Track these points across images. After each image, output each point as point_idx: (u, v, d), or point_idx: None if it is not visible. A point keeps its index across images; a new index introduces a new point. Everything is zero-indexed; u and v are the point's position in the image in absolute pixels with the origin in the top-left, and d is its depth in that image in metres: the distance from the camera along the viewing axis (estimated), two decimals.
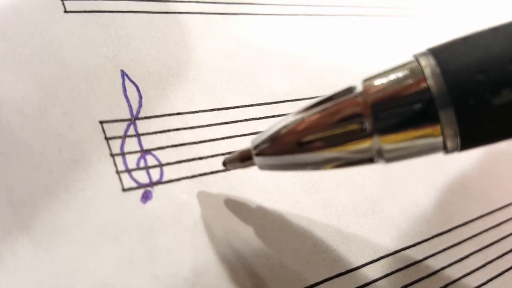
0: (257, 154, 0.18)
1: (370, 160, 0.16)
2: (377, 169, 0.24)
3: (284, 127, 0.17)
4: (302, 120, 0.17)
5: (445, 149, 0.16)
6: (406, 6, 0.33)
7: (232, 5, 0.25)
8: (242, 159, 0.18)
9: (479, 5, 0.37)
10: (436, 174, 0.25)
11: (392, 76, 0.16)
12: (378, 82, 0.16)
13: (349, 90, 0.16)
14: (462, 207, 0.24)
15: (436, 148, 0.16)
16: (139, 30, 0.22)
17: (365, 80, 0.16)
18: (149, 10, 0.23)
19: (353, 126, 0.16)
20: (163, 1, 0.23)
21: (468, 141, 0.16)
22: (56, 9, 0.21)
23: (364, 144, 0.16)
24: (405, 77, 0.16)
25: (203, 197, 0.19)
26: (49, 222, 0.17)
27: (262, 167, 0.18)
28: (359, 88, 0.16)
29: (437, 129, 0.15)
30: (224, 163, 0.19)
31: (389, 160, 0.16)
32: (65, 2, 0.21)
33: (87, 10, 0.21)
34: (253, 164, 0.18)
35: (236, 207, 0.20)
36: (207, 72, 0.23)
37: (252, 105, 0.23)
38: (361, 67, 0.27)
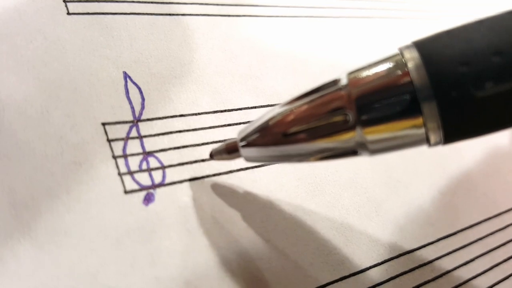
0: (243, 146, 0.18)
1: (354, 152, 0.17)
2: (380, 171, 0.23)
3: (270, 118, 0.17)
4: (288, 112, 0.17)
5: (428, 142, 0.16)
6: (410, 9, 0.33)
7: (235, 7, 0.25)
8: (229, 150, 0.19)
9: (478, 6, 0.36)
10: (440, 177, 0.24)
11: (376, 69, 0.16)
12: (362, 74, 0.16)
13: (334, 82, 0.17)
14: (467, 209, 0.24)
15: (419, 141, 0.16)
16: (142, 31, 0.22)
17: (350, 73, 0.16)
18: (152, 12, 0.23)
19: (337, 118, 0.16)
20: (166, 3, 0.23)
21: (451, 134, 0.16)
22: (59, 11, 0.21)
23: (347, 136, 0.16)
24: (389, 70, 0.16)
25: (206, 200, 0.19)
26: (51, 225, 0.17)
27: (248, 158, 0.18)
28: (344, 80, 0.16)
29: (419, 121, 0.15)
30: (211, 155, 0.19)
31: (373, 152, 0.16)
32: (68, 4, 0.21)
33: (90, 12, 0.21)
34: (239, 156, 0.18)
35: (239, 209, 0.20)
36: (210, 74, 0.23)
37: (255, 107, 0.23)
38: None
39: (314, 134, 0.16)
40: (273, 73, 0.24)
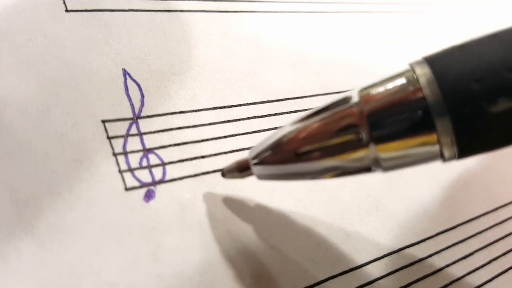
0: (255, 164, 0.18)
1: (367, 169, 0.17)
2: None
3: (282, 136, 0.17)
4: (299, 130, 0.17)
5: (443, 158, 0.16)
6: (410, 3, 0.33)
7: (233, 3, 0.25)
8: (240, 169, 0.18)
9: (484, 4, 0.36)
10: (438, 171, 0.25)
11: (388, 86, 0.16)
12: (373, 91, 0.16)
13: (345, 100, 0.16)
14: (466, 204, 0.24)
15: (433, 157, 0.16)
16: (141, 28, 0.22)
17: (361, 90, 0.16)
18: (150, 9, 0.23)
19: (350, 136, 0.16)
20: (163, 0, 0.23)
21: (465, 150, 0.16)
22: (57, 8, 0.21)
23: (361, 154, 0.16)
24: (401, 86, 0.16)
25: (206, 196, 0.19)
26: (53, 222, 0.17)
27: (260, 177, 0.18)
28: (355, 98, 0.16)
29: (433, 137, 0.15)
30: (223, 174, 0.19)
31: (387, 169, 0.16)
32: (66, 1, 0.21)
33: (88, 9, 0.21)
34: (251, 174, 0.18)
35: (239, 206, 0.20)
36: (209, 70, 0.23)
37: (254, 103, 0.23)
38: (364, 65, 0.27)
39: (326, 152, 0.16)
40: (272, 69, 0.24)
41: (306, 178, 0.18)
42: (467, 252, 0.22)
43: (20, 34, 0.19)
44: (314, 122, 0.17)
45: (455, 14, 0.34)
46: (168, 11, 0.23)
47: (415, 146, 0.15)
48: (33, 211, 0.17)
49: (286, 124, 0.17)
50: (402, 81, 0.16)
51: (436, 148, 0.15)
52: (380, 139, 0.16)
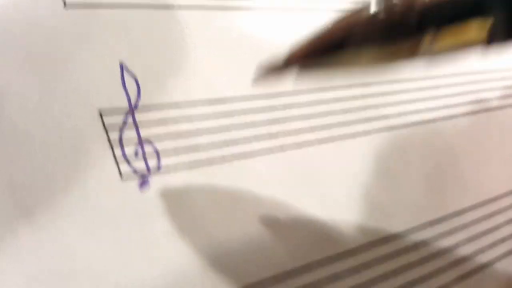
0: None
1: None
2: (370, 159, 0.24)
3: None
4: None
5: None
6: None
7: (229, 0, 0.26)
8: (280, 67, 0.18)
9: None
10: (429, 166, 0.25)
11: None
12: None
13: None
14: (455, 197, 0.24)
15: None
16: (138, 24, 0.22)
17: None
18: (148, 4, 0.23)
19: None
20: None
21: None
22: (56, 4, 0.21)
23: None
24: None
25: (199, 186, 0.20)
26: (50, 208, 0.17)
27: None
28: None
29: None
30: (261, 69, 0.19)
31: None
32: None
33: (86, 4, 0.22)
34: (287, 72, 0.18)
35: (232, 197, 0.20)
36: (205, 65, 0.23)
37: (249, 97, 0.23)
38: None
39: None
40: None
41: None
42: (453, 243, 0.22)
43: (19, 28, 0.20)
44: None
45: None
46: (165, 7, 0.24)
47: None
48: (32, 198, 0.17)
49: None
50: None
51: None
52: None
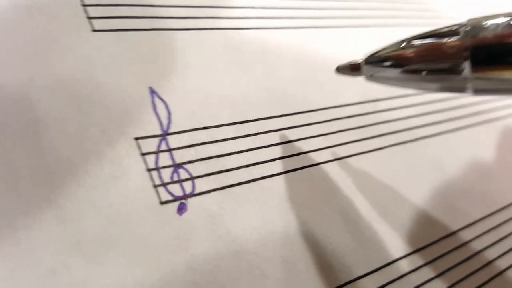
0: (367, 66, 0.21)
1: (462, 90, 0.19)
2: (383, 175, 0.25)
3: (393, 50, 0.20)
4: (409, 46, 0.19)
5: None
6: (407, 15, 0.34)
7: (244, 20, 0.26)
8: (352, 68, 0.21)
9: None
10: (439, 179, 0.27)
11: (496, 20, 0.18)
12: (483, 23, 0.18)
13: (455, 30, 0.18)
14: (465, 209, 0.26)
15: None
16: (163, 47, 0.23)
17: (470, 20, 0.18)
18: (170, 27, 0.24)
19: (452, 61, 0.18)
20: (183, 17, 0.24)
21: None
22: (84, 28, 0.21)
23: (460, 77, 0.18)
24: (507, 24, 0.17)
25: (233, 207, 0.21)
26: (97, 237, 0.18)
27: (368, 78, 0.21)
28: (464, 28, 0.18)
29: None
30: (337, 69, 0.22)
31: (477, 91, 0.18)
32: (92, 21, 0.22)
33: (113, 28, 0.22)
34: (360, 74, 0.21)
35: (262, 216, 0.21)
36: (228, 86, 0.24)
37: (270, 118, 0.24)
38: None
39: (430, 72, 0.19)
40: (283, 84, 0.26)
41: (410, 87, 0.20)
42: (466, 256, 0.24)
43: (52, 56, 0.20)
44: (425, 44, 0.19)
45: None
46: (187, 29, 0.24)
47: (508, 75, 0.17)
48: (78, 227, 0.18)
49: (400, 39, 0.20)
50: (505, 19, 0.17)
51: None
52: (480, 64, 0.17)
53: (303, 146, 0.24)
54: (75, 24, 0.21)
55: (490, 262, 0.24)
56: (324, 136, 0.25)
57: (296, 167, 0.23)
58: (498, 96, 0.18)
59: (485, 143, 0.30)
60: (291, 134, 0.24)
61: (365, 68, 0.21)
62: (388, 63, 0.20)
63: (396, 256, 0.23)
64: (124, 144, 0.20)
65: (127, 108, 0.21)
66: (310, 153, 0.24)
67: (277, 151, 0.23)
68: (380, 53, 0.20)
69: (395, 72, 0.20)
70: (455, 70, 0.18)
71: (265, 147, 0.23)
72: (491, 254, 0.24)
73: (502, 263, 0.24)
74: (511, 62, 0.17)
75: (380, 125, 0.27)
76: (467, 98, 0.31)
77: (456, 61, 0.18)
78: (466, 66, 0.18)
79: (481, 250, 0.25)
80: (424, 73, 0.19)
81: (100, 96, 0.20)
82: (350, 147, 0.25)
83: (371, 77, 0.21)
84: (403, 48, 0.19)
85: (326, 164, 0.24)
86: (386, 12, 0.33)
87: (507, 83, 0.18)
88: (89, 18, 0.22)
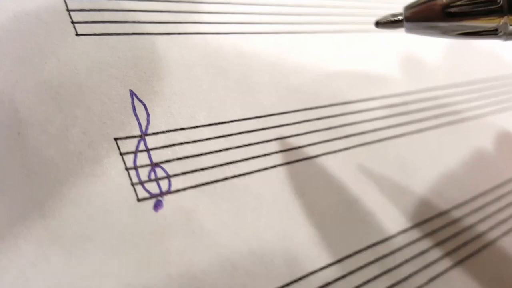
0: (407, 18, 0.21)
1: (495, 34, 0.20)
2: (349, 174, 0.27)
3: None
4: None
5: None
6: None
7: (225, 25, 0.28)
8: (393, 20, 0.22)
9: None
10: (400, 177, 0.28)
11: None
12: None
13: None
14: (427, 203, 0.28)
15: None
16: (144, 51, 0.24)
17: None
18: (151, 32, 0.25)
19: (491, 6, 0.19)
20: (163, 22, 0.25)
21: None
22: (68, 33, 0.23)
23: (496, 21, 0.19)
24: None
25: (206, 204, 0.22)
26: (77, 232, 0.19)
27: (409, 30, 0.22)
28: None
29: None
30: (377, 23, 0.23)
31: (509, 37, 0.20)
32: (76, 25, 0.23)
33: (96, 33, 0.23)
34: (401, 26, 0.22)
35: (235, 212, 0.23)
36: (205, 90, 0.25)
37: (244, 119, 0.25)
38: (341, 81, 0.30)
39: (470, 15, 0.20)
40: (259, 87, 0.27)
41: (445, 35, 0.21)
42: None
43: (36, 58, 0.21)
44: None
45: None
46: (167, 34, 0.25)
47: None
48: (59, 222, 0.19)
49: None
50: None
51: None
52: None
53: (274, 146, 0.25)
54: (59, 29, 0.22)
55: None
56: (294, 137, 0.27)
57: (267, 166, 0.25)
58: None
59: (447, 144, 0.32)
60: (263, 135, 0.25)
61: (406, 20, 0.21)
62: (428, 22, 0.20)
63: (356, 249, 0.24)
64: (104, 145, 0.21)
65: (108, 110, 0.22)
66: (280, 153, 0.25)
67: (249, 151, 0.25)
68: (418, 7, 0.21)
69: (436, 27, 0.20)
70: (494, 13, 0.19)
71: (238, 147, 0.24)
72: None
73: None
74: None
75: (348, 127, 0.29)
76: (431, 101, 0.33)
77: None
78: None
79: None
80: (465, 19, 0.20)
81: (82, 98, 0.21)
82: (320, 147, 0.27)
83: (411, 29, 0.22)
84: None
85: (295, 163, 0.26)
86: (363, 18, 0.35)
87: None
88: (73, 22, 0.23)
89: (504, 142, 0.34)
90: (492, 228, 0.29)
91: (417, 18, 0.21)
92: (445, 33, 0.21)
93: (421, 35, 0.22)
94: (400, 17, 0.22)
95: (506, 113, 0.38)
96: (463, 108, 0.35)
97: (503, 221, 0.30)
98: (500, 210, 0.31)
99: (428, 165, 0.30)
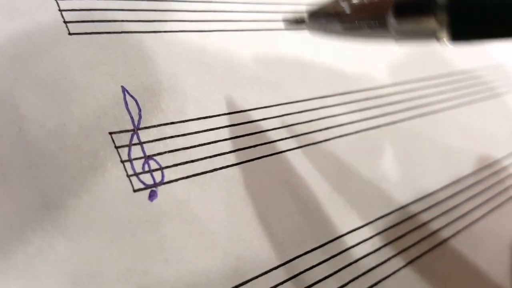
0: (309, 19, 0.23)
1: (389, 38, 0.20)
2: (329, 165, 0.29)
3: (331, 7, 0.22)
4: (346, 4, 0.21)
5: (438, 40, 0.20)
6: None
7: (209, 23, 0.29)
8: (297, 22, 0.24)
9: None
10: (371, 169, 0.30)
11: None
12: None
13: None
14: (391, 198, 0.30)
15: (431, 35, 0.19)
16: (133, 49, 0.25)
17: None
18: (139, 30, 0.26)
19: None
20: (150, 21, 0.27)
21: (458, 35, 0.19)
22: (61, 32, 0.23)
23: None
24: None
25: (198, 194, 0.24)
26: (78, 221, 0.20)
27: (311, 31, 0.23)
28: None
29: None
30: (285, 21, 0.24)
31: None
32: (68, 24, 0.24)
33: (87, 32, 0.24)
34: (304, 28, 0.23)
35: (224, 202, 0.24)
36: (192, 85, 0.26)
37: (230, 113, 0.27)
38: (320, 75, 0.32)
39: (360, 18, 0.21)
40: (243, 83, 0.29)
41: (349, 39, 0.22)
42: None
43: (32, 57, 0.22)
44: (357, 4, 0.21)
45: None
46: (154, 32, 0.26)
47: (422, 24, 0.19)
48: (61, 212, 0.20)
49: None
50: None
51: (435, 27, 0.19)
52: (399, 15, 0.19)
53: (260, 138, 0.27)
54: (52, 28, 0.23)
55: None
56: (276, 130, 0.28)
57: (253, 157, 0.26)
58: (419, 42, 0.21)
59: (398, 140, 0.35)
60: (249, 128, 0.27)
61: (308, 22, 0.23)
62: (327, 19, 0.22)
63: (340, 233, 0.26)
64: (100, 138, 0.22)
65: (102, 105, 0.23)
66: (265, 145, 0.27)
67: (236, 143, 0.26)
68: (321, 8, 0.22)
69: (335, 26, 0.22)
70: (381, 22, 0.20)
71: (225, 139, 0.26)
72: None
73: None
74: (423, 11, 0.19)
75: (326, 120, 0.30)
76: (373, 101, 0.35)
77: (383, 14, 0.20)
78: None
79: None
80: (359, 25, 0.21)
81: (77, 94, 0.22)
82: (301, 139, 0.29)
83: (313, 31, 0.23)
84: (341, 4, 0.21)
85: (279, 154, 0.27)
86: None
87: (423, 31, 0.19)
88: (65, 22, 0.24)
89: (464, 137, 0.37)
90: (446, 226, 0.31)
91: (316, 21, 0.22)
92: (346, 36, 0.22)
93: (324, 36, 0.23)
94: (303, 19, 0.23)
95: (467, 106, 0.40)
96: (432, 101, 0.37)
97: (458, 219, 0.32)
98: (455, 207, 0.33)
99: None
